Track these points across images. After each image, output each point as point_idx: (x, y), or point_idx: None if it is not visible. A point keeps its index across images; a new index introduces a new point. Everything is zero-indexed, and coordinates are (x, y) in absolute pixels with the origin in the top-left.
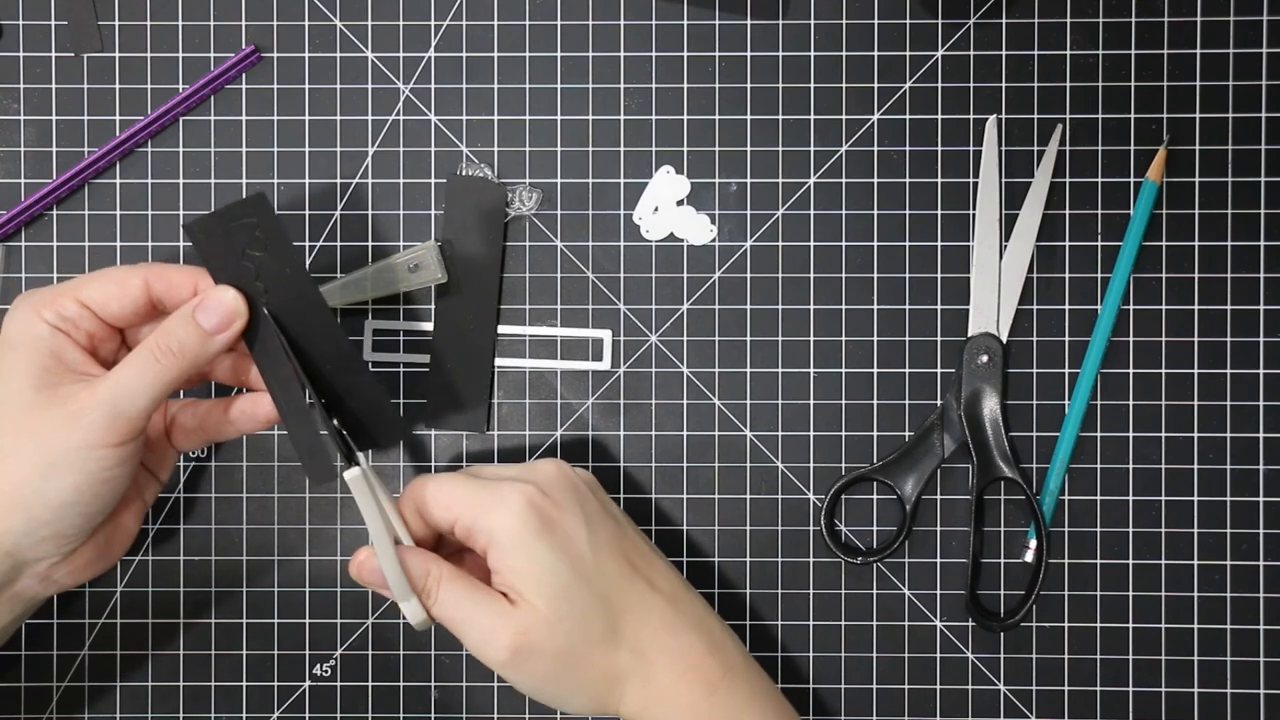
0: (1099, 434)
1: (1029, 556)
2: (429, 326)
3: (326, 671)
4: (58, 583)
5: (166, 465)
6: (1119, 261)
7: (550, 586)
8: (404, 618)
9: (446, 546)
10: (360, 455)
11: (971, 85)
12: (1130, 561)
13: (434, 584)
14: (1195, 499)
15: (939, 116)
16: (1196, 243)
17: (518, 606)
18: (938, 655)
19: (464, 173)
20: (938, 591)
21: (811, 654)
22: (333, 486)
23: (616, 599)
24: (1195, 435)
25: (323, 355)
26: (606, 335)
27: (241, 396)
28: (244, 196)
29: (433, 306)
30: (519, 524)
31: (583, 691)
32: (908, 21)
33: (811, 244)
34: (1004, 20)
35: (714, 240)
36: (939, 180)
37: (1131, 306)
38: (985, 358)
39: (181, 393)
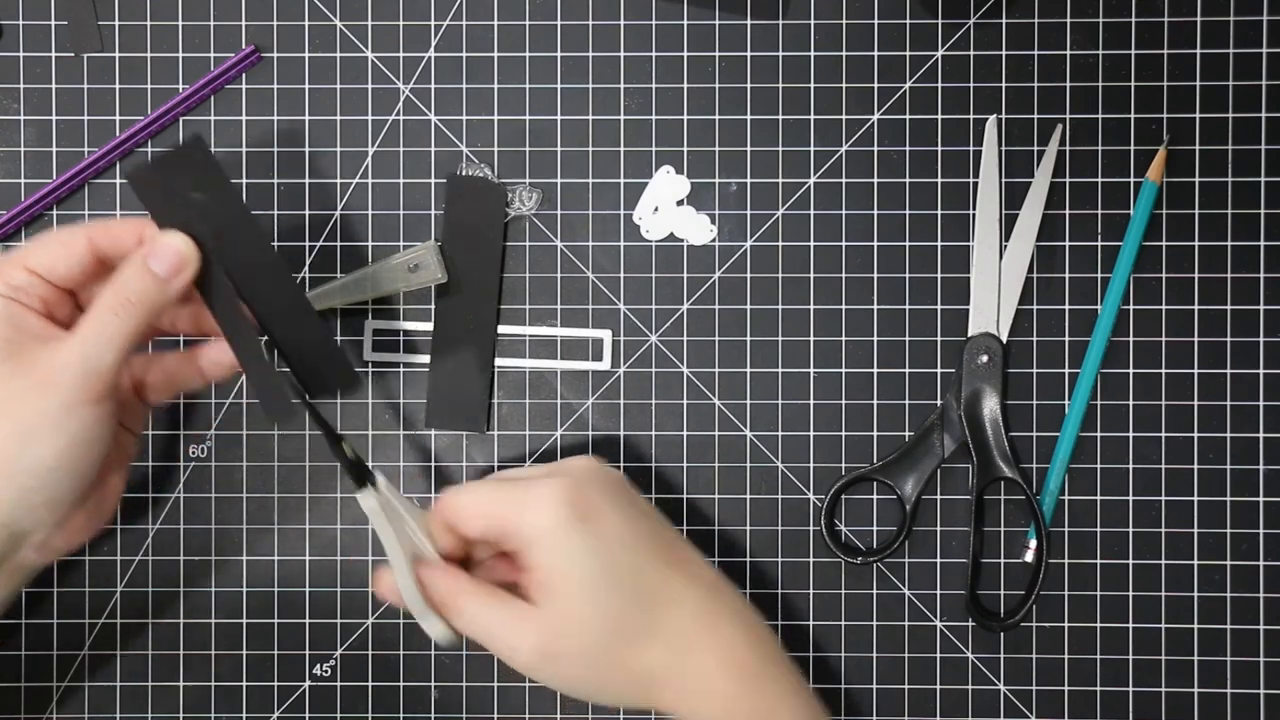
0: (1099, 434)
1: (1029, 556)
2: (429, 326)
3: (326, 671)
4: (55, 549)
5: (140, 420)
6: (1119, 261)
7: (588, 583)
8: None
9: (477, 555)
10: (379, 475)
11: (971, 85)
12: (1130, 561)
13: (452, 598)
14: (1195, 499)
15: (939, 116)
16: (1196, 243)
17: (544, 609)
18: (938, 655)
19: (464, 173)
20: (938, 591)
21: (811, 654)
22: (298, 432)
23: (655, 591)
24: (1195, 435)
25: (271, 298)
26: (606, 335)
27: (208, 345)
28: (181, 142)
29: (433, 307)
30: (554, 521)
31: (617, 688)
32: (908, 21)
33: (811, 244)
34: (1004, 20)
35: (714, 240)
36: (939, 180)
37: (1131, 306)
38: (985, 358)
39: (150, 346)
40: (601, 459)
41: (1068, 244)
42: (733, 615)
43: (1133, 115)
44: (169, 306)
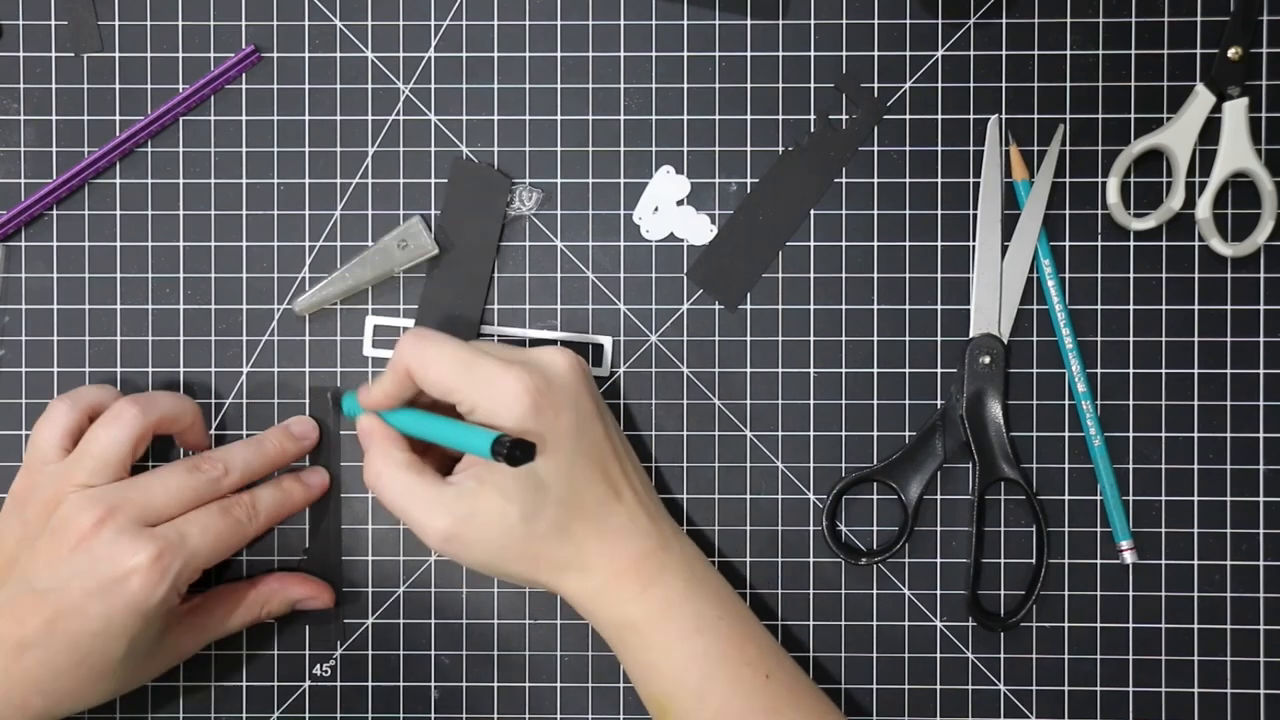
0: (1099, 434)
1: (1029, 557)
2: None
3: (326, 671)
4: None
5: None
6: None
7: (519, 488)
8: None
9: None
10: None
11: (971, 85)
12: (1130, 561)
13: (379, 467)
14: (1195, 499)
15: (939, 116)
16: (1196, 243)
17: (462, 493)
18: (938, 655)
19: None
20: (938, 591)
21: (811, 654)
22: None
23: (575, 504)
24: (1195, 435)
25: None
26: (607, 341)
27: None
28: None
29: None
30: (508, 416)
31: (522, 573)
32: (908, 21)
33: (812, 244)
34: (1004, 20)
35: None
36: (939, 180)
37: (1131, 307)
38: (987, 358)
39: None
40: (575, 355)
41: (1068, 244)
42: (644, 529)
43: (1133, 115)
44: None
